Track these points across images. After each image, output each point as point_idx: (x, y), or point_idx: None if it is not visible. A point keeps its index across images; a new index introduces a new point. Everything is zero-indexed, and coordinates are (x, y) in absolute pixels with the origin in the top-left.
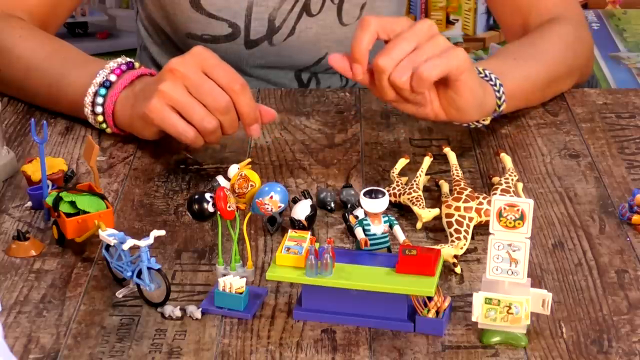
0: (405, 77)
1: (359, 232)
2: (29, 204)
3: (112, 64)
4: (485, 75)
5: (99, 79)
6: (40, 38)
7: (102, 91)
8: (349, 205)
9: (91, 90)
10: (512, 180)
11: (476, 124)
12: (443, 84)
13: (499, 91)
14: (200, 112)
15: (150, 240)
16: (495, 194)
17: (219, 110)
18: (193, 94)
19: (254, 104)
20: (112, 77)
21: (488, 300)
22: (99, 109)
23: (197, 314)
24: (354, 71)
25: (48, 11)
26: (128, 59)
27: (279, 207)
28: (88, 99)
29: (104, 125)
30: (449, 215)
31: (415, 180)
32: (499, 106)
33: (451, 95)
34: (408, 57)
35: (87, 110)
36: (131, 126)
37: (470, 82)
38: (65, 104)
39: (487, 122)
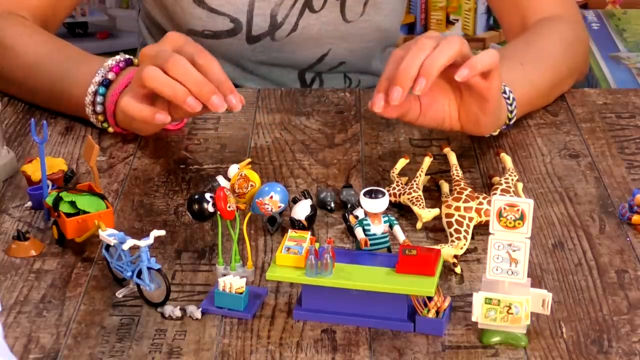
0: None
1: (359, 232)
2: (29, 204)
3: (111, 61)
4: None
5: (97, 78)
6: (42, 36)
7: (102, 90)
8: (349, 205)
9: (91, 89)
10: (512, 180)
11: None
12: (469, 101)
13: (511, 105)
14: (158, 76)
15: (150, 240)
16: (495, 194)
17: (184, 77)
18: (162, 68)
19: (221, 76)
20: (110, 75)
21: (488, 300)
22: (99, 108)
23: (197, 314)
24: (393, 95)
25: (48, 10)
26: (127, 56)
27: (279, 207)
28: (88, 99)
29: (105, 124)
30: (449, 215)
31: (415, 180)
32: (510, 119)
33: (475, 113)
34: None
35: (89, 110)
36: (130, 124)
37: (496, 100)
38: (67, 103)
39: (495, 134)
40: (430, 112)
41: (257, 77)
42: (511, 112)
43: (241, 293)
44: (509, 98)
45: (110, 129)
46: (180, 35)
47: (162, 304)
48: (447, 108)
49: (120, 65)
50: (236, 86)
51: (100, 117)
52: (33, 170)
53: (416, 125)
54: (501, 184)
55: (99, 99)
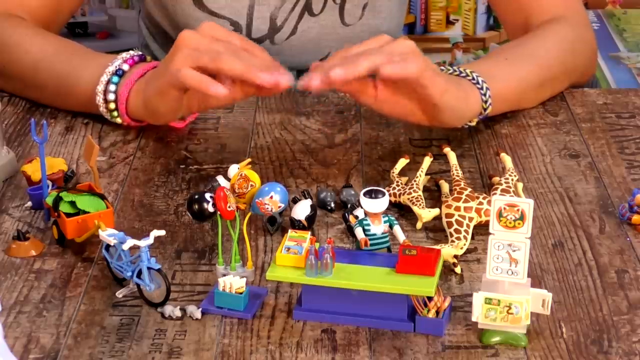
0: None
1: (359, 232)
2: (29, 204)
3: (125, 54)
4: (473, 79)
5: (111, 68)
6: (46, 35)
7: (115, 79)
8: (349, 205)
9: (104, 78)
10: (512, 180)
11: (463, 125)
12: (422, 101)
13: (485, 94)
14: (226, 56)
15: (150, 240)
16: (495, 194)
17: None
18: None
19: (268, 56)
20: (125, 67)
21: (488, 300)
22: (111, 97)
23: (197, 314)
24: (311, 79)
25: (49, 12)
26: (139, 52)
27: (279, 207)
28: (100, 87)
29: (115, 114)
30: (449, 215)
31: (415, 180)
32: (485, 109)
33: (431, 110)
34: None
35: (99, 98)
36: (145, 110)
37: (449, 102)
38: (75, 97)
39: (473, 124)
40: (390, 104)
41: None
42: (485, 102)
43: (241, 293)
44: (482, 88)
45: (119, 120)
46: (215, 25)
47: (162, 304)
48: (408, 104)
49: (135, 59)
50: None
51: (111, 106)
52: (33, 170)
53: (377, 111)
54: (501, 184)
55: (111, 87)
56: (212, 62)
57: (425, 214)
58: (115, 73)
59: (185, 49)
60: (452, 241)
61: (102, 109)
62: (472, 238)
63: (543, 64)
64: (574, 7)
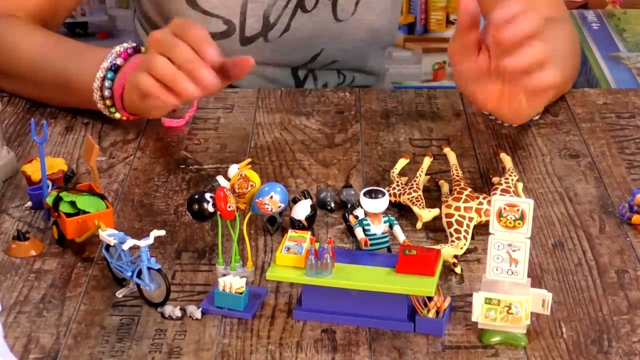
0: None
1: (359, 232)
2: (29, 204)
3: (119, 48)
4: None
5: (106, 64)
6: (45, 33)
7: (110, 75)
8: (349, 205)
9: (99, 74)
10: (512, 180)
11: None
12: (517, 90)
13: None
14: (165, 66)
15: (150, 240)
16: (495, 194)
17: (182, 60)
18: (166, 54)
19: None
20: (119, 61)
21: (488, 300)
22: (107, 93)
23: (197, 314)
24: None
25: (47, 12)
26: (134, 44)
27: (279, 207)
28: (96, 84)
29: (112, 109)
30: (449, 215)
31: (415, 180)
32: (538, 113)
33: (519, 101)
34: None
35: (96, 95)
36: (138, 104)
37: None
38: (74, 94)
39: (515, 125)
40: (484, 75)
41: (251, 75)
42: None
43: (241, 293)
44: None
45: (117, 115)
46: (184, 22)
47: (162, 304)
48: (496, 87)
49: (129, 51)
50: (231, 86)
51: (108, 102)
52: (33, 170)
53: (458, 72)
54: (501, 184)
55: (107, 83)
56: (155, 73)
57: (425, 214)
58: (110, 68)
59: (150, 50)
60: (452, 241)
61: (100, 105)
62: (472, 238)
63: (562, 66)
64: (564, 8)
